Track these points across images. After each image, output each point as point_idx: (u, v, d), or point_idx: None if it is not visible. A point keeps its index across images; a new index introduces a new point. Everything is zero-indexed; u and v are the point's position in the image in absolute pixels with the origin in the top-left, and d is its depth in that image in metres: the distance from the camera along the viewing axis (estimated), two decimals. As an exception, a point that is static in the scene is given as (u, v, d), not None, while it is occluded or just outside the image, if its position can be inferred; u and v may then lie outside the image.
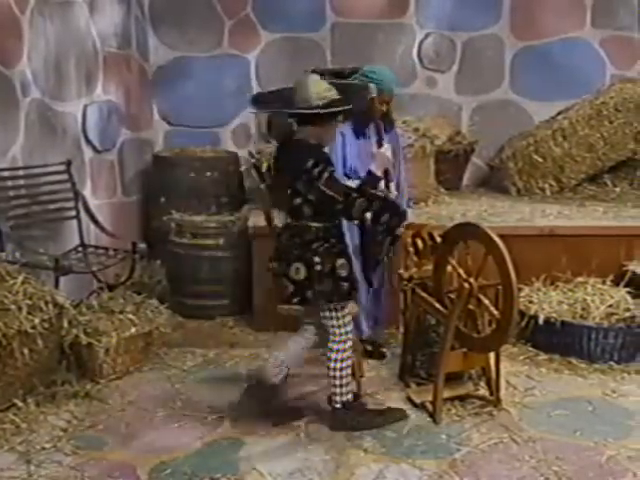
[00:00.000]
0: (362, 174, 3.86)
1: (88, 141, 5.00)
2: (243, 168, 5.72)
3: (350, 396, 3.53)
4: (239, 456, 3.29)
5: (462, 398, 3.77)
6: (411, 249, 3.85)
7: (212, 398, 3.83)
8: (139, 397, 3.84)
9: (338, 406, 3.51)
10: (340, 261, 3.34)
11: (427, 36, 6.20)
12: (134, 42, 5.82)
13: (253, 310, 4.84)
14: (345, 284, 3.35)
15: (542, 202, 5.53)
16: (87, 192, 4.92)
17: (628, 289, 4.46)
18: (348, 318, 3.48)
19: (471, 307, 3.63)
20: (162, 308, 4.39)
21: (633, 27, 6.10)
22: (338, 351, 3.45)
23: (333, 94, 3.27)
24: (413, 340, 3.94)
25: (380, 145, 3.40)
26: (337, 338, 3.45)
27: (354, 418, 3.50)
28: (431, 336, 3.93)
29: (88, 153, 5.02)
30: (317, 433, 3.48)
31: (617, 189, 5.78)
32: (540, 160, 5.68)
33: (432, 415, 3.61)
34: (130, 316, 4.16)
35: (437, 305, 3.70)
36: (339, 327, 3.44)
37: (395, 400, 3.80)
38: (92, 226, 4.74)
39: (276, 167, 3.49)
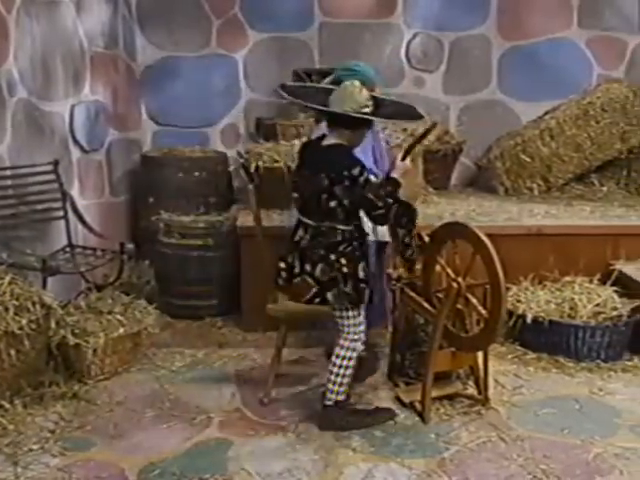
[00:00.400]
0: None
1: (76, 141, 4.98)
2: (232, 168, 5.71)
3: (344, 396, 3.53)
4: (227, 456, 3.29)
5: (451, 397, 3.78)
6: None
7: (201, 398, 3.82)
8: (127, 398, 3.83)
9: (329, 403, 3.50)
10: (362, 264, 3.39)
11: (415, 36, 6.20)
12: (121, 42, 5.79)
13: (242, 310, 4.82)
14: (365, 286, 3.39)
15: (530, 202, 5.55)
16: (75, 192, 4.90)
17: (615, 288, 4.48)
18: (361, 319, 3.49)
19: (459, 306, 3.64)
20: (150, 308, 4.37)
21: (619, 27, 6.13)
22: (348, 349, 3.47)
23: (371, 104, 3.33)
24: (402, 340, 3.94)
25: (405, 158, 3.49)
26: (350, 336, 3.46)
27: (343, 418, 3.50)
28: (420, 335, 3.93)
29: (76, 153, 5.00)
30: (306, 433, 3.48)
31: (604, 188, 5.81)
32: (528, 160, 5.70)
33: (421, 414, 3.61)
34: (118, 317, 4.14)
35: (425, 305, 3.70)
36: (354, 326, 3.46)
37: (384, 400, 3.80)
38: (80, 226, 4.71)
39: (302, 166, 3.49)
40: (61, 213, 4.57)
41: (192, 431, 3.50)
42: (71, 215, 4.62)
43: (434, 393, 3.65)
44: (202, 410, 3.70)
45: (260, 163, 5.10)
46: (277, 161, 5.08)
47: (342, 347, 3.47)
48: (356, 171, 3.25)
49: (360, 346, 3.50)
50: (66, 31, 4.88)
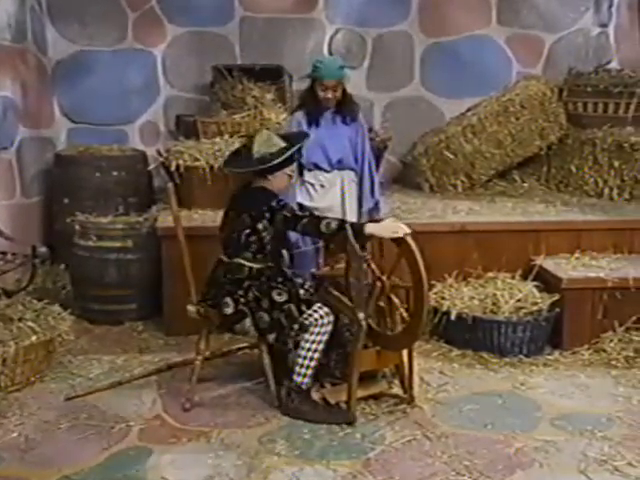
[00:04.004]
0: (331, 155, 4.18)
1: (-18, 139, 4.75)
2: (152, 167, 5.54)
3: (306, 380, 3.55)
4: (147, 466, 3.17)
5: (376, 397, 3.76)
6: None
7: (119, 407, 3.68)
8: (40, 409, 3.65)
9: (292, 385, 3.55)
10: (275, 292, 3.54)
11: (337, 32, 6.17)
12: (30, 35, 5.54)
13: (163, 314, 4.69)
14: (290, 305, 3.51)
15: (454, 198, 5.60)
16: (-18, 194, 4.68)
17: (535, 283, 4.55)
18: (322, 311, 3.54)
19: (382, 304, 3.61)
20: (65, 314, 4.18)
21: (536, 25, 6.24)
22: (317, 334, 3.52)
23: (269, 149, 3.55)
24: (327, 340, 3.89)
25: None
26: (317, 329, 3.52)
27: (303, 404, 3.53)
28: (345, 336, 3.89)
29: (-18, 152, 4.78)
30: (229, 438, 3.40)
31: (525, 185, 5.92)
32: (451, 156, 5.74)
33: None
34: (30, 324, 3.95)
35: (350, 304, 3.66)
36: (317, 320, 3.52)
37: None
38: (-12, 230, 4.50)
39: (230, 209, 3.69)
40: (-33, 216, 4.36)
41: (110, 441, 3.37)
42: (-22, 217, 4.41)
43: (360, 393, 3.62)
44: (121, 419, 3.56)
45: (181, 162, 5.00)
46: (198, 160, 4.98)
47: (311, 333, 3.52)
48: (274, 203, 3.53)
49: (330, 329, 3.56)
50: (-31, 23, 4.64)
